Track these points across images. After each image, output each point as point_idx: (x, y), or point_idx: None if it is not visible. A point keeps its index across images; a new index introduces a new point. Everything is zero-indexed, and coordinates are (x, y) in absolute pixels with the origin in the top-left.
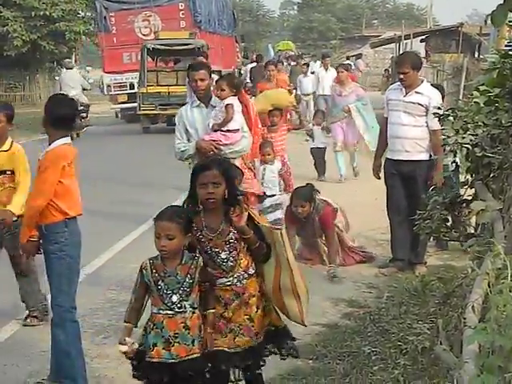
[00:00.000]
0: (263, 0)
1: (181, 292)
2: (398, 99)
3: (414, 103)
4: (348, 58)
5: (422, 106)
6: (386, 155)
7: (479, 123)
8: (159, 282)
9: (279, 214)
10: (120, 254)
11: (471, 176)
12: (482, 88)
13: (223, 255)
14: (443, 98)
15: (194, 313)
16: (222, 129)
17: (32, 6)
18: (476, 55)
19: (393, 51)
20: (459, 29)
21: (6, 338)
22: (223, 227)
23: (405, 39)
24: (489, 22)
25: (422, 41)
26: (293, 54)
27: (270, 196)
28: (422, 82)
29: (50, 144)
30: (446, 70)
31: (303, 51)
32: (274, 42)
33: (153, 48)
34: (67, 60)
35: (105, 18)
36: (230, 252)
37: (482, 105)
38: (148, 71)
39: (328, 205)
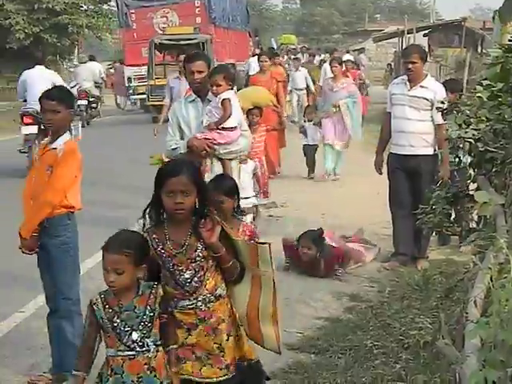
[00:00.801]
0: None
1: (141, 328)
2: (403, 93)
3: (419, 97)
4: (348, 52)
5: (428, 100)
6: (390, 150)
7: (482, 118)
8: (115, 319)
9: (250, 218)
10: None
11: (474, 171)
12: (485, 83)
13: (187, 275)
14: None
15: (158, 351)
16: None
17: None
18: (479, 50)
19: (395, 46)
20: (462, 23)
21: (7, 330)
22: (190, 242)
23: (407, 34)
24: (496, 18)
25: (424, 35)
26: (293, 47)
27: (243, 198)
28: (426, 76)
29: (55, 139)
30: (448, 65)
31: (306, 45)
32: (276, 36)
33: (160, 43)
34: (81, 55)
35: (126, 14)
36: (196, 271)
37: (485, 99)
38: (156, 65)
39: (336, 249)
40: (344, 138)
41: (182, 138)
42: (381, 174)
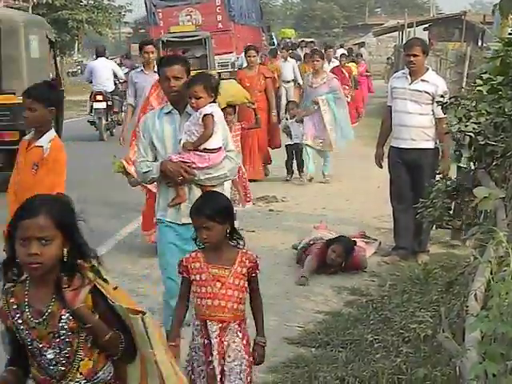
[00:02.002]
0: None
1: None
2: (404, 87)
3: (420, 91)
4: (342, 46)
5: (429, 94)
6: (391, 143)
7: (482, 111)
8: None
9: (236, 224)
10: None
11: (474, 164)
12: (485, 76)
13: (49, 354)
14: None
15: None
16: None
17: None
18: (479, 43)
19: (396, 40)
20: (462, 17)
21: None
22: (52, 309)
23: (408, 28)
24: (496, 13)
25: (424, 29)
26: (289, 41)
27: None
28: (428, 69)
29: (41, 136)
30: (449, 59)
31: (304, 39)
32: (277, 31)
33: (167, 40)
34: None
35: (153, 13)
36: (61, 350)
37: (485, 93)
38: None
39: (355, 258)
40: (324, 136)
41: (155, 159)
42: (381, 167)
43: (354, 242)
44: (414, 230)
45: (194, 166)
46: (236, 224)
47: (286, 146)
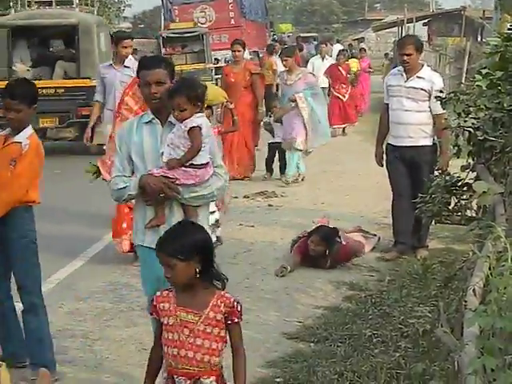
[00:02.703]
0: None
1: None
2: (399, 85)
3: (416, 88)
4: (338, 42)
5: (425, 90)
6: (388, 141)
7: (481, 106)
8: None
9: (218, 232)
10: None
11: (473, 159)
12: (484, 71)
13: None
14: None
15: None
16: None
17: None
18: (479, 39)
19: (395, 35)
20: (462, 12)
21: None
22: None
23: (407, 23)
24: (492, 6)
25: (424, 24)
26: (283, 36)
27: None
28: (423, 66)
29: (18, 132)
30: (448, 54)
31: (300, 34)
32: (276, 26)
33: (167, 36)
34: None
35: (170, 10)
36: None
37: (484, 88)
38: (164, 55)
39: (344, 247)
40: (302, 134)
41: (132, 174)
42: (382, 165)
43: (336, 229)
44: (413, 225)
45: (178, 182)
46: (218, 232)
47: (268, 144)
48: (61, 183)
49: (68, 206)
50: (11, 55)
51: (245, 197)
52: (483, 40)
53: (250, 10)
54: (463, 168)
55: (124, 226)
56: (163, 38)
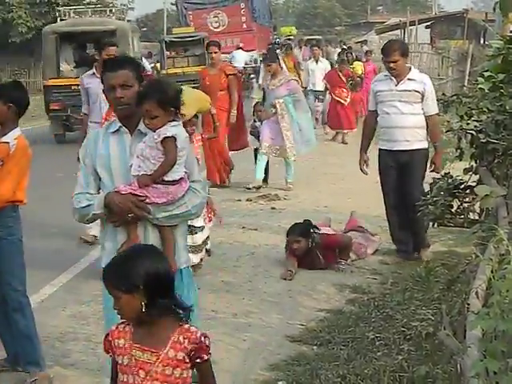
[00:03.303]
0: None
1: None
2: (390, 89)
3: (409, 91)
4: (345, 44)
5: (418, 92)
6: (381, 146)
7: (484, 109)
8: None
9: (209, 244)
10: None
11: (475, 162)
12: (486, 74)
13: None
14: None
15: None
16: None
17: None
18: (481, 41)
19: (398, 38)
20: (464, 15)
21: None
22: None
23: (410, 25)
24: (497, 9)
25: (427, 27)
26: (283, 39)
27: (199, 228)
28: (411, 68)
29: (6, 133)
30: (451, 57)
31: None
32: (278, 29)
33: (169, 40)
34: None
35: (185, 15)
36: None
37: (486, 91)
38: (167, 58)
39: (328, 236)
40: (278, 142)
41: (98, 191)
42: (366, 174)
43: (308, 220)
44: (410, 229)
45: (148, 200)
46: (208, 246)
47: (254, 149)
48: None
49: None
50: (59, 57)
51: (247, 200)
52: (486, 42)
53: (259, 14)
54: (466, 171)
55: None
56: (166, 42)
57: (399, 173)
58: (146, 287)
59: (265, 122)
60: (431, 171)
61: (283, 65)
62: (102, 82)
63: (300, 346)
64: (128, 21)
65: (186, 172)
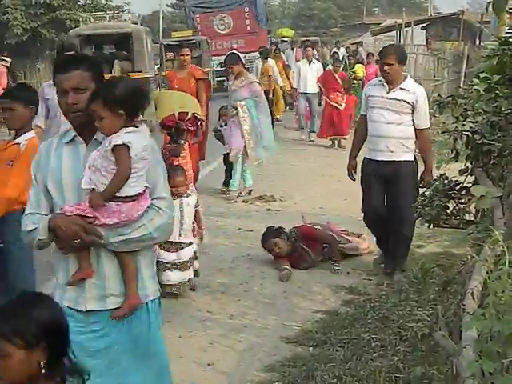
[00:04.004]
0: None
1: None
2: (381, 96)
3: (399, 100)
4: (339, 47)
5: (408, 103)
6: (366, 155)
7: (479, 110)
8: None
9: (196, 265)
10: None
11: (471, 163)
12: (482, 75)
13: None
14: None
15: None
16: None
17: None
18: (477, 43)
19: (393, 39)
20: (460, 16)
21: None
22: None
23: (405, 27)
24: (490, 9)
25: (422, 28)
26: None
27: (187, 244)
28: (406, 77)
29: (19, 136)
30: (446, 58)
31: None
32: (274, 30)
33: (168, 44)
34: None
35: (192, 19)
36: None
37: (481, 92)
38: (166, 60)
39: (300, 227)
40: (238, 145)
41: (51, 211)
42: (353, 179)
43: (269, 227)
44: (392, 244)
45: (97, 222)
46: (196, 266)
47: (223, 154)
48: None
49: None
50: None
51: (243, 201)
52: (481, 44)
53: (261, 18)
54: (461, 172)
55: None
56: (165, 45)
57: (385, 186)
58: (49, 342)
59: (228, 125)
60: (421, 187)
61: (275, 67)
62: (54, 82)
63: (296, 347)
64: (142, 24)
65: (146, 187)
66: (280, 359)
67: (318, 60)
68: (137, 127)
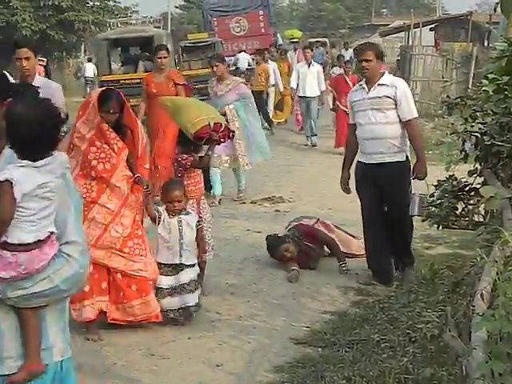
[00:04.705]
0: None
1: None
2: (363, 98)
3: (380, 97)
4: (346, 49)
5: (390, 97)
6: (357, 158)
7: (488, 111)
8: None
9: (198, 293)
10: None
11: (480, 164)
12: (490, 76)
13: None
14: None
15: None
16: None
17: None
18: (485, 44)
19: (402, 40)
20: (468, 17)
21: None
22: None
23: (414, 28)
24: (498, 10)
25: (431, 29)
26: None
27: (189, 266)
28: (383, 74)
29: None
30: (455, 59)
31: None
32: (283, 31)
33: (185, 45)
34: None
35: (210, 22)
36: None
37: (490, 93)
38: (183, 61)
39: (300, 225)
40: (229, 151)
41: None
42: (348, 192)
43: (268, 236)
44: (391, 251)
45: None
46: (198, 292)
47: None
48: None
49: None
50: (109, 58)
51: (252, 202)
52: (490, 45)
53: (274, 20)
54: (470, 173)
55: (86, 289)
56: (182, 47)
57: (379, 190)
58: None
59: None
60: (413, 179)
61: (276, 69)
62: None
63: (305, 348)
64: (131, 24)
65: (52, 232)
66: (289, 360)
67: (318, 63)
68: (30, 161)
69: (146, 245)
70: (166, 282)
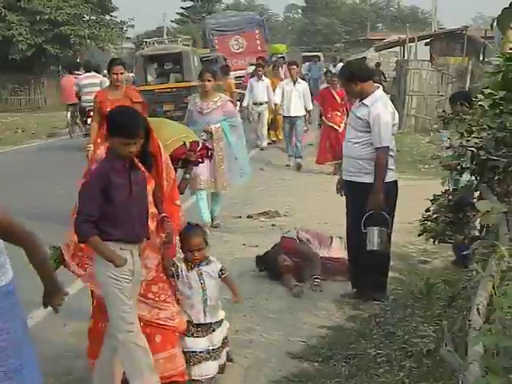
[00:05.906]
0: (268, 4)
1: None
2: (352, 112)
3: (356, 116)
4: (341, 61)
5: (361, 119)
6: None
7: (484, 126)
8: None
9: (224, 356)
10: None
11: (476, 179)
12: (486, 91)
13: None
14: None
15: None
16: None
17: (37, 10)
18: (481, 58)
19: (397, 54)
20: (464, 32)
21: None
22: None
23: (409, 42)
24: (494, 25)
25: (426, 44)
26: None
27: (218, 324)
28: (374, 91)
29: None
30: (450, 74)
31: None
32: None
33: None
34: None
35: (211, 40)
36: None
37: (486, 108)
38: None
39: (282, 243)
40: (215, 175)
41: None
42: (341, 195)
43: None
44: (366, 270)
45: None
46: (224, 357)
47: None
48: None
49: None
50: (146, 71)
51: (248, 217)
52: (485, 59)
53: (268, 37)
54: (465, 188)
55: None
56: None
57: (354, 206)
58: None
59: None
60: (368, 211)
61: (269, 86)
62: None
63: (301, 362)
64: (127, 38)
65: None
66: (286, 375)
67: (315, 79)
68: None
69: (172, 291)
70: (197, 344)
